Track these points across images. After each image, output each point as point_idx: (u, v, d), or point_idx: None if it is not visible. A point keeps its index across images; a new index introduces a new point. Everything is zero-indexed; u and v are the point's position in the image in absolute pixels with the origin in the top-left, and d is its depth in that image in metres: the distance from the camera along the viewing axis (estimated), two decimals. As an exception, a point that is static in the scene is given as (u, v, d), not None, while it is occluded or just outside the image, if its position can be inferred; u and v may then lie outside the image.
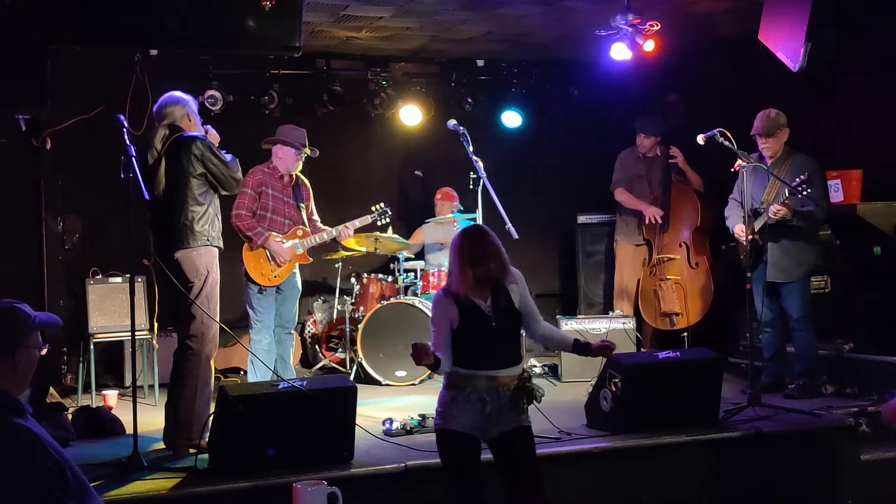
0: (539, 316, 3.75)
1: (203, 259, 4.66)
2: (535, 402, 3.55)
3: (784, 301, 5.81)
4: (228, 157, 4.80)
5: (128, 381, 6.72)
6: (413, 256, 7.65)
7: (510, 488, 3.47)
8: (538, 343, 3.76)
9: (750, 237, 5.63)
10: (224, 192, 4.86)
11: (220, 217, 4.83)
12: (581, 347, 3.70)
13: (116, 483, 3.94)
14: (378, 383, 6.65)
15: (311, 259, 6.21)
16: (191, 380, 4.59)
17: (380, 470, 4.17)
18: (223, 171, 4.72)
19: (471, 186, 5.14)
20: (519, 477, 3.47)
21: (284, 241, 5.99)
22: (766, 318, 5.89)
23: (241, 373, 7.13)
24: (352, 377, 6.36)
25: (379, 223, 6.56)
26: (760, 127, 5.77)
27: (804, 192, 5.45)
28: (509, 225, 5.16)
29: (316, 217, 6.29)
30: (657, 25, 5.97)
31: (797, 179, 5.51)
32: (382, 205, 6.53)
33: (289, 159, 6.04)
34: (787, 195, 5.54)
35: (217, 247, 4.77)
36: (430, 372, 6.67)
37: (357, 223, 6.32)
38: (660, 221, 7.11)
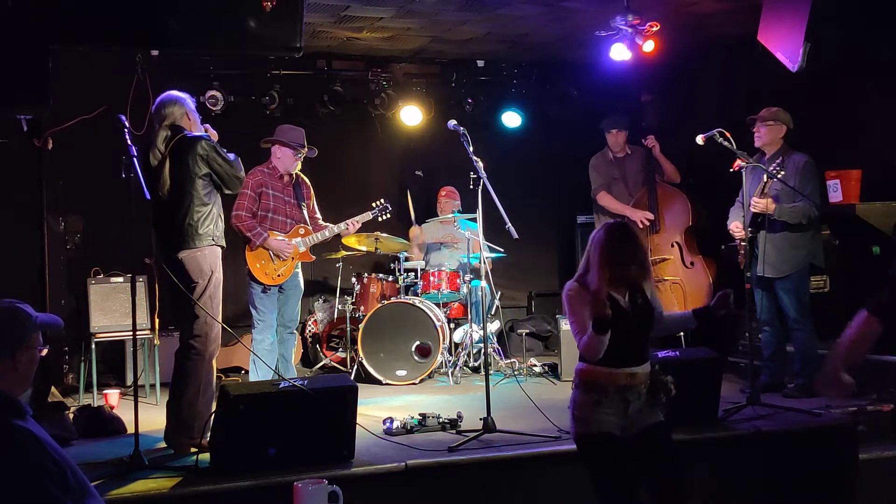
0: (662, 309, 3.72)
1: (207, 259, 4.67)
2: (671, 395, 3.48)
3: (780, 299, 5.83)
4: (231, 155, 4.81)
5: (129, 381, 6.74)
6: (422, 254, 7.71)
7: (652, 487, 3.39)
8: (664, 332, 3.72)
9: (743, 234, 5.68)
10: (227, 191, 4.87)
11: (223, 216, 4.85)
12: (703, 313, 3.62)
13: (118, 482, 3.95)
14: (378, 382, 6.66)
15: (313, 257, 6.23)
16: (193, 379, 4.60)
17: (380, 469, 4.18)
18: (227, 170, 4.73)
19: (471, 186, 5.13)
20: (663, 476, 3.41)
21: (287, 239, 6.01)
22: (764, 316, 5.91)
23: (243, 372, 7.15)
24: (352, 376, 6.38)
25: (380, 219, 6.59)
26: (759, 114, 5.84)
27: (778, 176, 5.52)
28: (509, 225, 5.16)
29: (318, 215, 6.32)
30: (657, 26, 5.99)
31: (773, 165, 5.57)
32: (382, 201, 6.55)
33: (287, 159, 6.06)
34: (765, 179, 5.59)
35: (221, 246, 4.79)
36: (430, 371, 6.70)
37: (358, 219, 6.35)
38: (647, 224, 7.12)
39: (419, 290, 7.17)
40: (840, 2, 5.39)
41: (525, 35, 7.33)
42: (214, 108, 7.25)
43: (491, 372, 5.61)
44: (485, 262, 6.08)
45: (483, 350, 5.62)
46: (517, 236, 5.21)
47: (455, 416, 4.98)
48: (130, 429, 4.52)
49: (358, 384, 4.49)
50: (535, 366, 7.02)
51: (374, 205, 6.51)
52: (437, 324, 6.70)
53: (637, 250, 3.51)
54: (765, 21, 5.62)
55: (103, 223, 7.09)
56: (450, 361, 6.91)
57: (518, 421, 4.97)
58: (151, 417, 5.07)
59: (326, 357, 7.46)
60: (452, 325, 7.27)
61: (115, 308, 6.44)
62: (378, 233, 6.95)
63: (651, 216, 7.12)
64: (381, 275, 7.35)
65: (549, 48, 7.76)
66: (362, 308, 7.09)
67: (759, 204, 5.61)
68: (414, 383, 6.69)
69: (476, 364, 7.16)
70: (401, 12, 6.53)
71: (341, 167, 8.09)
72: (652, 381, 3.47)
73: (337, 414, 4.28)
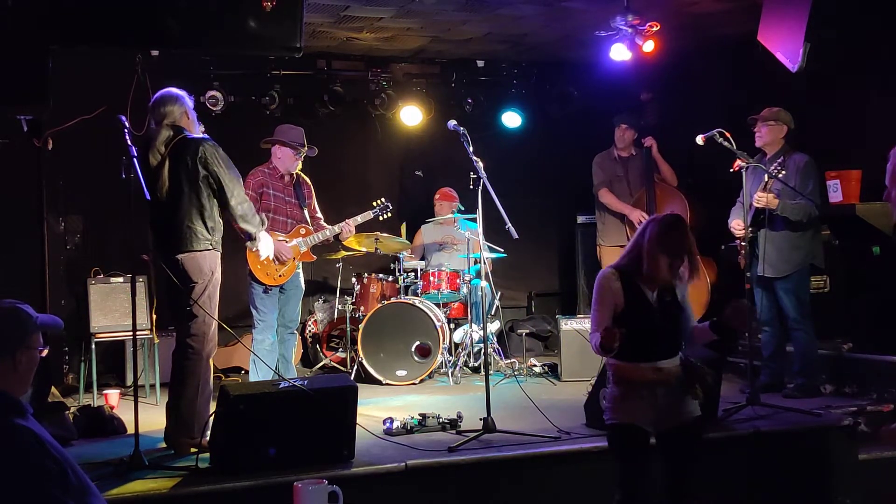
0: (692, 316, 3.71)
1: (207, 260, 4.64)
2: (708, 389, 3.53)
3: (780, 299, 5.82)
4: (233, 172, 4.68)
5: (129, 381, 6.74)
6: (419, 258, 7.70)
7: (666, 483, 3.51)
8: (691, 345, 3.72)
9: (744, 232, 5.68)
10: (220, 200, 4.67)
11: (221, 219, 4.78)
12: (716, 326, 3.56)
13: (118, 482, 3.95)
14: (378, 383, 6.66)
15: (315, 257, 6.22)
16: (192, 379, 4.59)
17: (380, 469, 4.18)
18: (225, 175, 4.60)
19: (471, 186, 5.13)
20: (674, 476, 3.51)
21: (288, 240, 6.01)
22: (764, 316, 5.91)
23: (243, 372, 7.16)
24: (352, 376, 6.38)
25: (381, 218, 6.59)
26: (761, 114, 5.84)
27: (779, 176, 5.53)
28: (509, 225, 5.16)
29: (319, 214, 6.32)
30: (656, 26, 5.99)
31: (774, 165, 5.57)
32: (384, 200, 6.55)
33: (287, 159, 6.06)
34: (767, 179, 5.59)
35: (218, 251, 4.73)
36: (430, 371, 6.70)
37: (359, 219, 6.35)
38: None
39: (419, 290, 7.17)
40: (840, 2, 5.39)
41: (525, 35, 7.33)
42: (214, 108, 7.25)
43: (491, 372, 5.61)
44: (485, 262, 6.08)
45: (483, 350, 5.61)
46: (517, 236, 5.21)
47: (455, 416, 4.98)
48: (130, 429, 4.52)
49: (358, 384, 4.49)
50: (535, 366, 7.02)
51: (374, 204, 6.52)
52: (437, 324, 6.70)
53: (690, 244, 3.51)
54: (765, 21, 5.63)
55: (103, 223, 7.09)
56: (450, 361, 6.91)
57: (518, 421, 4.97)
58: (151, 417, 5.07)
59: (326, 357, 7.46)
60: (452, 325, 7.28)
61: (115, 308, 6.43)
62: (378, 233, 6.95)
63: (646, 216, 7.12)
64: (381, 275, 7.35)
65: (549, 48, 7.76)
66: (362, 308, 7.09)
67: (763, 198, 5.61)
68: (414, 383, 6.69)
69: (476, 364, 7.16)
70: (401, 12, 6.53)
71: (341, 167, 8.09)
72: (686, 374, 3.49)
73: (337, 414, 4.27)
